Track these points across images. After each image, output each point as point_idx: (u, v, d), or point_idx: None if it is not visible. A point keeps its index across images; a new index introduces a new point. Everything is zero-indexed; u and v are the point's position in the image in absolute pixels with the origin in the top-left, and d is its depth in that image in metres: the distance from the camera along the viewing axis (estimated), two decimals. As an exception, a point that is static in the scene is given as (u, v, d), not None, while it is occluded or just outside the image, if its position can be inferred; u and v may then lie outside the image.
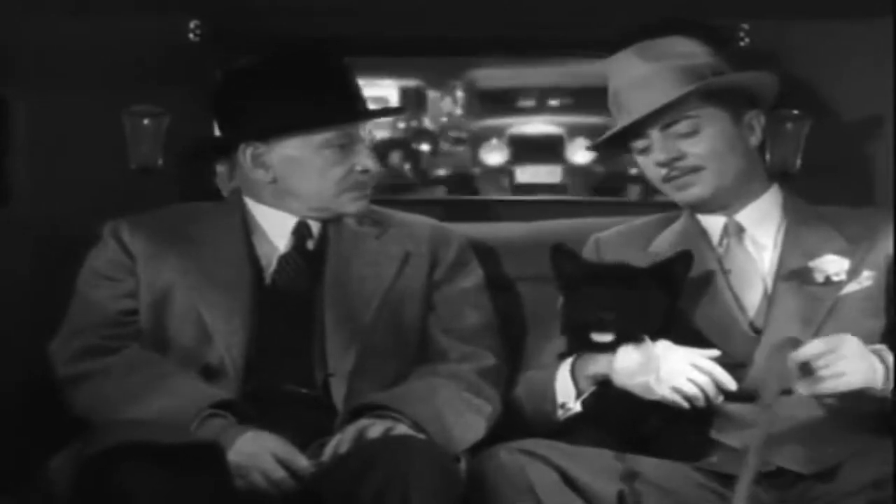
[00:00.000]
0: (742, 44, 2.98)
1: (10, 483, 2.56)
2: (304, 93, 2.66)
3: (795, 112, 2.99)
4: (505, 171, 8.36)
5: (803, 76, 2.96)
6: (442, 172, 9.09)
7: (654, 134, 2.65)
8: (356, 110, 2.71)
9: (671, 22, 2.71)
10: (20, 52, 2.88)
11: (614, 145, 2.77)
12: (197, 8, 2.99)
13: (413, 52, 3.50)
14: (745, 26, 2.99)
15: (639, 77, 2.64)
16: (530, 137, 8.72)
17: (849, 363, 2.37)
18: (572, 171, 8.20)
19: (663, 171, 2.67)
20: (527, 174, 8.56)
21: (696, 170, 2.65)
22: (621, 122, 2.68)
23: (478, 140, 9.06)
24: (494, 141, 8.88)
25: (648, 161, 2.68)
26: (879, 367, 2.41)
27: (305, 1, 2.97)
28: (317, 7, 2.97)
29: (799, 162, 3.03)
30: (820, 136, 3.02)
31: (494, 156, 8.92)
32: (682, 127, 2.64)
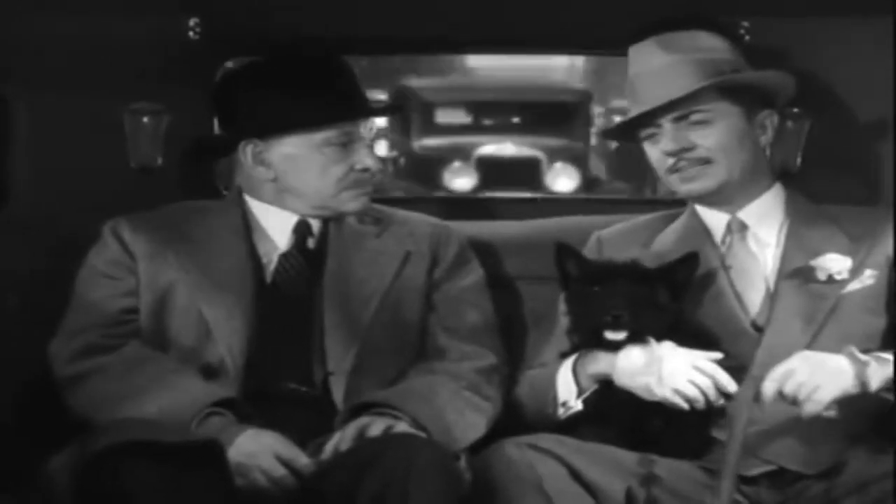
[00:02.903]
0: (743, 42, 2.98)
1: (10, 483, 2.55)
2: (304, 91, 2.66)
3: (796, 110, 2.99)
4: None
5: (804, 74, 2.95)
6: (399, 195, 8.36)
7: (666, 124, 2.66)
8: (356, 108, 2.71)
9: (693, 16, 2.71)
10: (20, 51, 2.88)
11: (626, 132, 2.76)
12: (197, 7, 2.99)
13: (413, 51, 3.50)
14: (746, 24, 2.99)
15: (657, 67, 2.65)
16: (503, 160, 7.96)
17: (817, 376, 2.37)
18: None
19: (671, 161, 2.67)
20: None
21: (703, 162, 2.65)
22: (636, 109, 2.68)
23: (435, 162, 8.23)
24: (458, 163, 8.15)
25: (656, 150, 2.68)
26: (848, 368, 2.40)
27: (306, 1, 2.96)
28: (317, 7, 2.97)
29: (799, 160, 3.03)
30: (820, 135, 3.02)
31: (461, 180, 8.14)
32: (695, 118, 2.64)
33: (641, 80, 2.67)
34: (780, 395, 2.38)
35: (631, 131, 2.73)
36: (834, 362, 2.41)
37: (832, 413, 2.39)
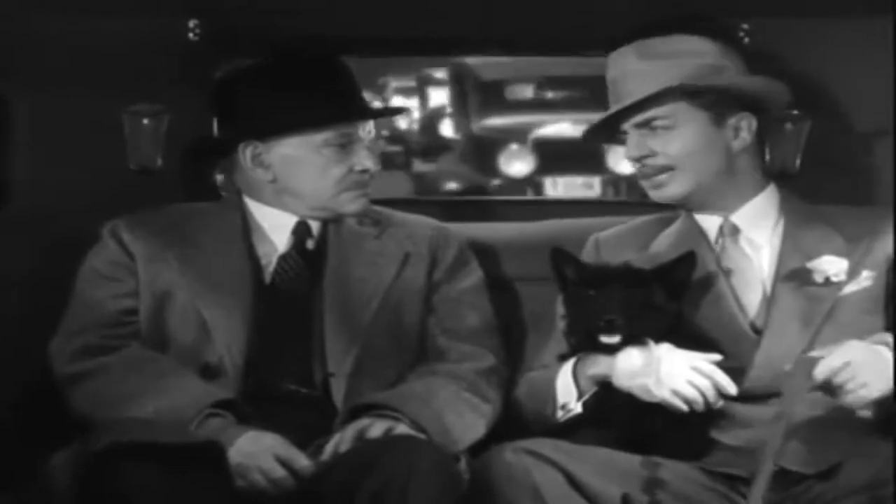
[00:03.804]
0: (739, 43, 2.97)
1: (10, 482, 2.56)
2: (303, 92, 2.67)
3: (795, 112, 2.98)
4: (531, 183, 7.31)
5: (803, 75, 2.95)
6: (452, 186, 7.85)
7: (630, 130, 2.67)
8: (355, 110, 2.71)
9: (681, 20, 2.70)
10: (20, 51, 2.88)
11: (609, 136, 2.77)
12: (197, 7, 2.98)
13: (413, 51, 3.50)
14: (746, 25, 2.98)
15: (625, 73, 2.66)
16: (562, 142, 7.49)
17: (867, 372, 2.36)
18: (614, 182, 7.11)
19: (636, 167, 2.68)
20: (559, 187, 7.56)
21: (667, 169, 2.66)
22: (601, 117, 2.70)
23: (490, 145, 7.75)
24: (515, 146, 7.73)
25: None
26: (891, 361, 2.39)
27: (305, 1, 2.96)
28: (316, 8, 2.97)
29: (799, 162, 3.03)
30: (820, 136, 3.02)
31: (517, 164, 7.70)
32: (656, 124, 2.64)
33: (613, 85, 2.68)
34: (826, 384, 2.36)
35: (613, 135, 2.74)
36: (883, 358, 2.39)
37: (867, 413, 2.38)
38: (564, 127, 7.46)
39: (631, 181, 6.83)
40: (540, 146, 7.46)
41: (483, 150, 7.72)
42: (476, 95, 7.81)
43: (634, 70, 2.64)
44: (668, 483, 2.42)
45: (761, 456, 2.29)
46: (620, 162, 7.01)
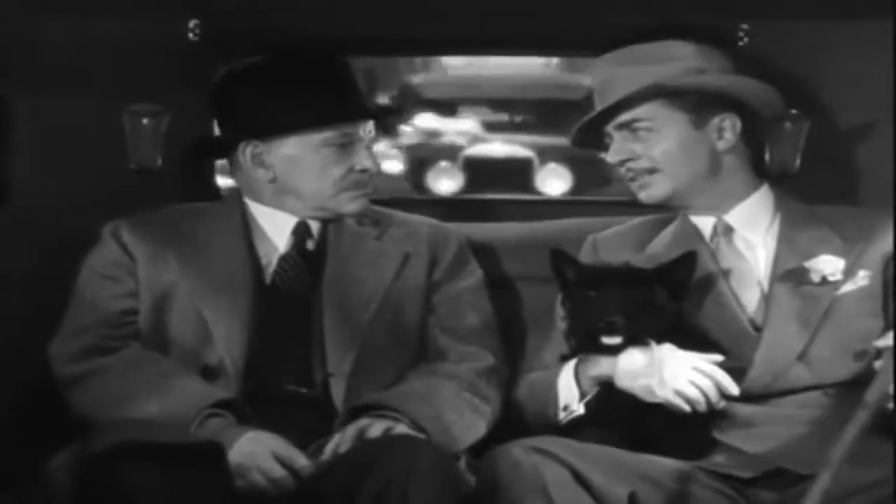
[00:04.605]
0: (741, 44, 2.98)
1: (10, 482, 2.56)
2: (303, 92, 2.67)
3: (794, 112, 2.98)
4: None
5: (803, 76, 2.96)
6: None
7: (614, 134, 2.69)
8: (356, 109, 2.71)
9: (672, 26, 2.71)
10: (20, 51, 2.88)
11: (597, 142, 2.78)
12: (197, 7, 2.99)
13: (414, 52, 3.50)
14: (745, 26, 2.99)
15: (606, 78, 2.68)
16: (491, 161, 7.53)
17: None
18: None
19: (622, 170, 2.70)
20: None
21: (651, 171, 2.67)
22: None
23: (421, 162, 7.76)
24: (444, 164, 7.76)
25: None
26: None
27: (305, 1, 2.96)
28: (317, 7, 2.97)
29: (798, 162, 3.03)
30: (820, 136, 3.02)
31: (445, 182, 7.72)
32: (637, 127, 2.66)
33: (596, 93, 2.71)
34: None
35: (599, 140, 2.75)
36: None
37: None
38: (495, 146, 7.52)
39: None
40: (470, 164, 7.48)
41: (420, 168, 7.78)
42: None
43: (614, 75, 2.66)
44: (670, 483, 2.42)
45: (833, 449, 2.19)
46: (547, 182, 7.04)
